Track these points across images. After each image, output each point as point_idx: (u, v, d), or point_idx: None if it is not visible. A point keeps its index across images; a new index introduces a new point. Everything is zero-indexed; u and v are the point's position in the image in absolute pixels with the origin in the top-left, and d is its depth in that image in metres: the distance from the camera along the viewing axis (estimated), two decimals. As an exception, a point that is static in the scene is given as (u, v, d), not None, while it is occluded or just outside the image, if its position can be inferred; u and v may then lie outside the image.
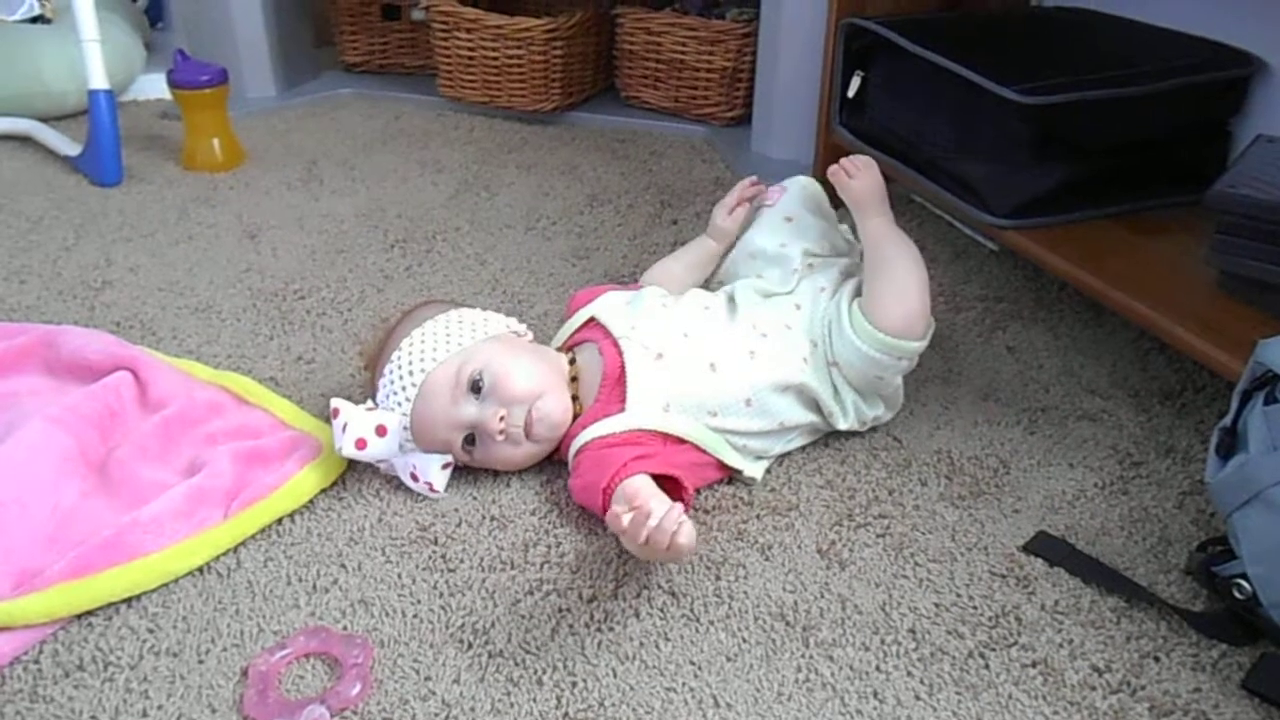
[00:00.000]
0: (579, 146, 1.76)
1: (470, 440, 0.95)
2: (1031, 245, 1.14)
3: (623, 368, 0.97)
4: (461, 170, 1.66)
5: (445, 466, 0.96)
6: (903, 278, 0.98)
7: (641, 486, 0.89)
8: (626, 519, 0.77)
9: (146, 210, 1.53)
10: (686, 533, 0.76)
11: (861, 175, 1.06)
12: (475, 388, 0.94)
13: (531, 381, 0.95)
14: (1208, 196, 0.99)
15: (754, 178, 1.16)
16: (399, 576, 0.87)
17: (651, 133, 1.81)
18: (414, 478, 0.96)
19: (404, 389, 0.95)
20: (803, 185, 1.11)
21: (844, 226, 1.10)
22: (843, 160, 1.07)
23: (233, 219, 1.51)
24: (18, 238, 1.44)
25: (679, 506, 0.78)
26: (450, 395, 0.94)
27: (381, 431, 0.94)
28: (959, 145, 1.21)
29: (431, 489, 0.95)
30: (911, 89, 1.28)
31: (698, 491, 0.96)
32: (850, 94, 1.38)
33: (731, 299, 1.05)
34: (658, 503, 0.79)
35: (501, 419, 0.93)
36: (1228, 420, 0.82)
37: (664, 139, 1.79)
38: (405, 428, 0.95)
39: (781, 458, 1.01)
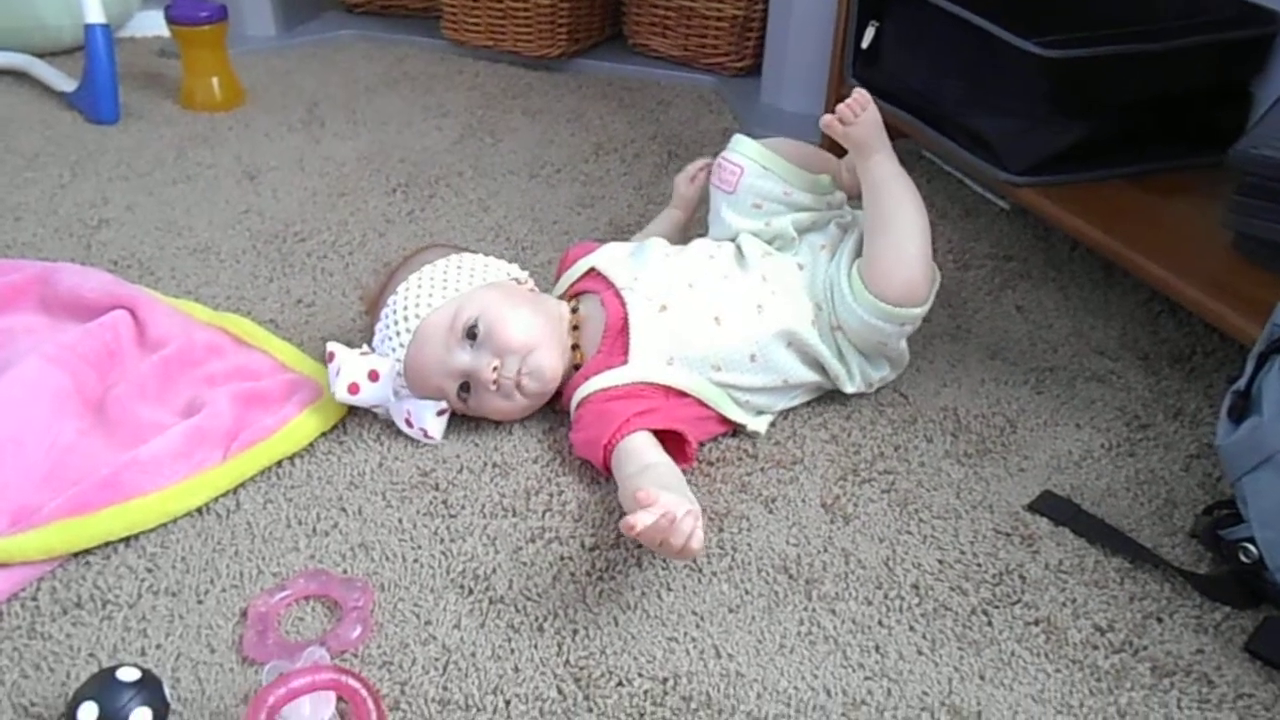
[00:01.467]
0: (585, 94, 1.73)
1: (465, 388, 0.93)
2: (1045, 203, 1.12)
3: (625, 319, 0.96)
4: (465, 115, 1.64)
5: (440, 413, 0.94)
6: (905, 237, 0.94)
7: (642, 445, 0.88)
8: (641, 524, 0.72)
9: (144, 149, 1.50)
10: (699, 537, 0.75)
11: (858, 119, 0.98)
12: (470, 334, 0.92)
13: (527, 333, 0.93)
14: (1230, 156, 0.97)
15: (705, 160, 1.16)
16: (400, 521, 0.86)
17: (659, 82, 1.78)
18: (408, 423, 0.95)
19: (399, 334, 0.93)
20: (752, 157, 1.02)
21: (824, 178, 1.06)
22: (837, 108, 0.99)
23: (232, 160, 1.48)
24: (13, 174, 1.42)
25: (694, 512, 0.75)
26: (445, 341, 0.92)
27: (374, 376, 0.93)
28: (975, 99, 1.18)
29: (426, 435, 0.94)
30: (927, 40, 1.25)
31: (701, 444, 0.95)
32: (864, 45, 1.35)
33: (739, 249, 1.02)
34: (675, 503, 0.75)
35: (495, 369, 0.92)
36: (1241, 383, 0.81)
37: (672, 88, 1.76)
38: (399, 373, 0.94)
39: (786, 412, 1.00)
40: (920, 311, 0.95)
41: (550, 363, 0.94)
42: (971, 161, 1.20)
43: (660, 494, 0.74)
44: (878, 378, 1.00)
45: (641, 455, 0.87)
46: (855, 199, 1.04)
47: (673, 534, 0.73)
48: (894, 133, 1.31)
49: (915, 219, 0.95)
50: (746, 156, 1.02)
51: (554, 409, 0.99)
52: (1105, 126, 1.14)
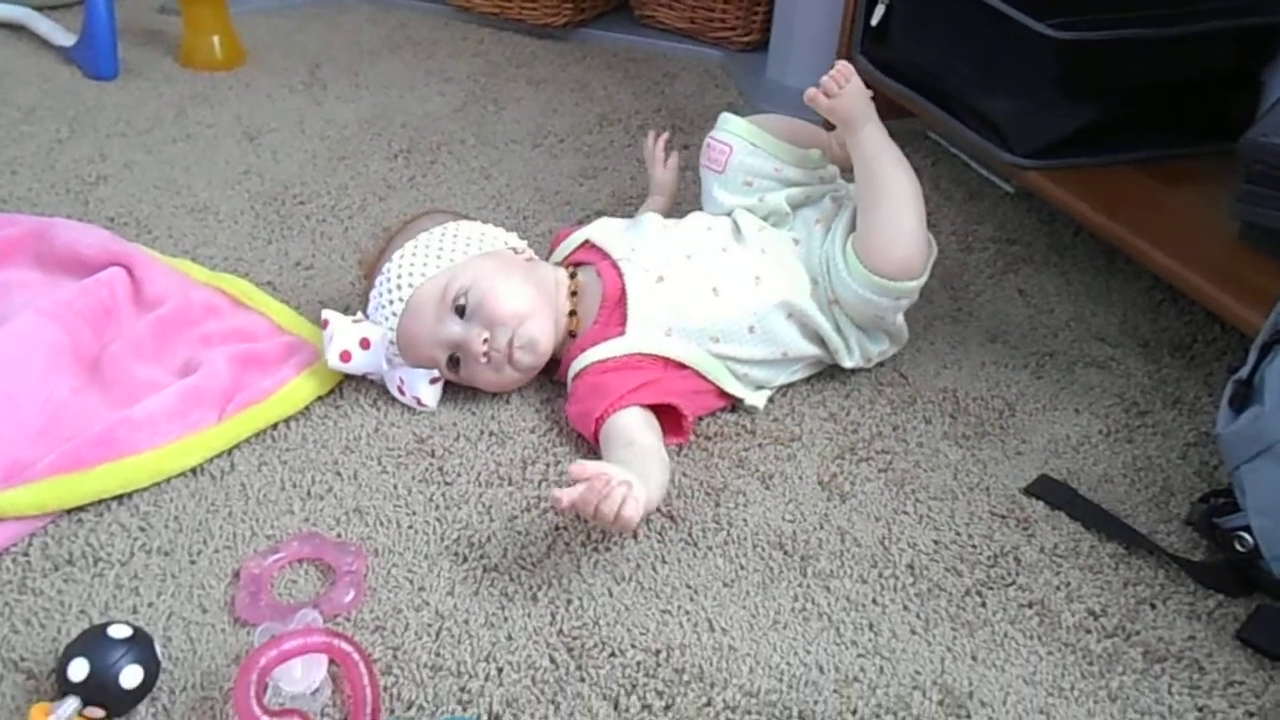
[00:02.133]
0: (590, 64, 1.71)
1: (455, 359, 0.93)
2: (1051, 187, 1.11)
3: (623, 289, 0.95)
4: (469, 82, 1.62)
5: (433, 382, 0.94)
6: (898, 211, 0.93)
7: (631, 423, 0.87)
8: (567, 499, 0.72)
9: (143, 106, 1.49)
10: (631, 507, 0.73)
11: (843, 91, 0.97)
12: (459, 307, 0.92)
13: (518, 303, 0.92)
14: (1240, 144, 0.96)
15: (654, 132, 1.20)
16: (394, 487, 0.86)
17: (665, 54, 1.76)
18: (401, 391, 0.94)
19: (391, 303, 0.93)
20: (741, 134, 1.01)
21: (814, 152, 1.06)
22: (821, 81, 0.97)
23: (232, 120, 1.46)
24: (9, 127, 1.40)
25: (629, 482, 0.74)
26: (435, 312, 0.92)
27: (365, 344, 0.92)
28: (983, 80, 1.17)
29: (420, 403, 0.94)
30: (937, 19, 1.24)
31: (699, 419, 0.94)
32: (874, 22, 1.34)
33: (735, 224, 1.02)
34: (611, 471, 0.75)
35: (485, 340, 0.91)
36: (1244, 372, 0.80)
37: (678, 61, 1.74)
38: (392, 342, 0.93)
39: (785, 388, 0.99)
40: (916, 285, 0.95)
41: (542, 334, 0.93)
42: (977, 143, 1.19)
43: (592, 464, 0.73)
44: (876, 352, 1.00)
45: (628, 433, 0.86)
46: (848, 172, 1.03)
47: (603, 502, 0.72)
48: (900, 112, 1.30)
49: (908, 191, 0.94)
50: (735, 135, 1.02)
51: (551, 379, 0.99)
52: (1114, 111, 1.13)
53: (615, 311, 0.95)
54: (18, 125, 1.41)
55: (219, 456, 0.88)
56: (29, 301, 0.97)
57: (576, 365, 0.94)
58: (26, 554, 0.78)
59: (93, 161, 1.33)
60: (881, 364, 1.03)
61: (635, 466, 0.79)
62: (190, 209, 1.24)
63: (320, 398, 0.95)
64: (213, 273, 1.10)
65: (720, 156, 1.02)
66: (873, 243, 0.93)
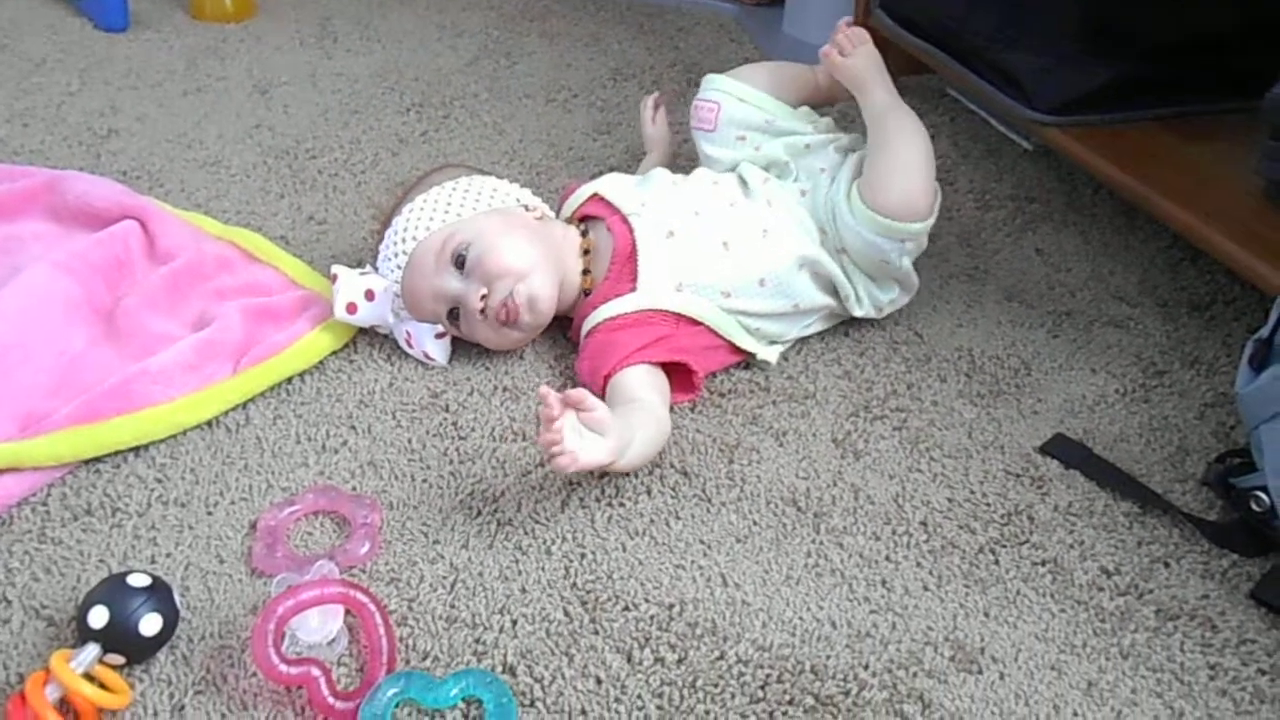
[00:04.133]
0: (603, 18, 1.69)
1: (455, 313, 0.92)
2: (1072, 144, 1.09)
3: (634, 245, 0.94)
4: (481, 35, 1.60)
5: (439, 337, 0.94)
6: (903, 154, 0.94)
7: (634, 381, 0.87)
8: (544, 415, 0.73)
9: (153, 59, 1.48)
10: (560, 461, 0.72)
11: (856, 52, 1.00)
12: (459, 261, 0.91)
13: (517, 260, 0.91)
14: (1266, 100, 0.94)
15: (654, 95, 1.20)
16: (409, 441, 0.86)
17: (680, 8, 1.74)
18: (409, 344, 0.94)
19: (396, 256, 0.92)
20: (727, 90, 1.03)
21: (803, 109, 1.06)
22: (834, 38, 1.01)
23: (243, 73, 1.45)
24: (20, 79, 1.39)
25: (566, 440, 0.73)
26: (435, 266, 0.91)
27: (370, 296, 0.92)
28: (1005, 35, 1.15)
29: (428, 357, 0.94)
30: (959, -28, 1.22)
31: (712, 375, 0.94)
32: (893, -25, 1.32)
33: (741, 178, 1.01)
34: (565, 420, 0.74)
35: (483, 297, 0.90)
36: (1265, 331, 0.79)
37: (692, 15, 1.72)
38: (397, 294, 0.93)
39: (800, 346, 0.99)
40: (920, 228, 0.94)
41: (544, 291, 0.92)
42: (998, 99, 1.17)
43: (555, 396, 0.72)
44: (886, 300, 0.99)
45: (631, 390, 0.86)
46: (834, 107, 1.07)
47: (541, 437, 0.73)
48: (918, 68, 1.28)
49: (914, 136, 0.95)
50: (720, 91, 1.03)
51: (565, 336, 0.98)
52: (1137, 67, 1.11)
53: (626, 267, 0.95)
54: (28, 77, 1.40)
55: (234, 409, 0.88)
56: (43, 254, 0.97)
57: (589, 323, 0.93)
58: (45, 504, 0.79)
59: (104, 114, 1.32)
60: (896, 322, 1.02)
61: (627, 422, 0.79)
62: (202, 162, 1.24)
63: (334, 352, 0.95)
64: (226, 226, 1.09)
65: (710, 115, 1.04)
66: (876, 181, 0.93)
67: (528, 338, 0.96)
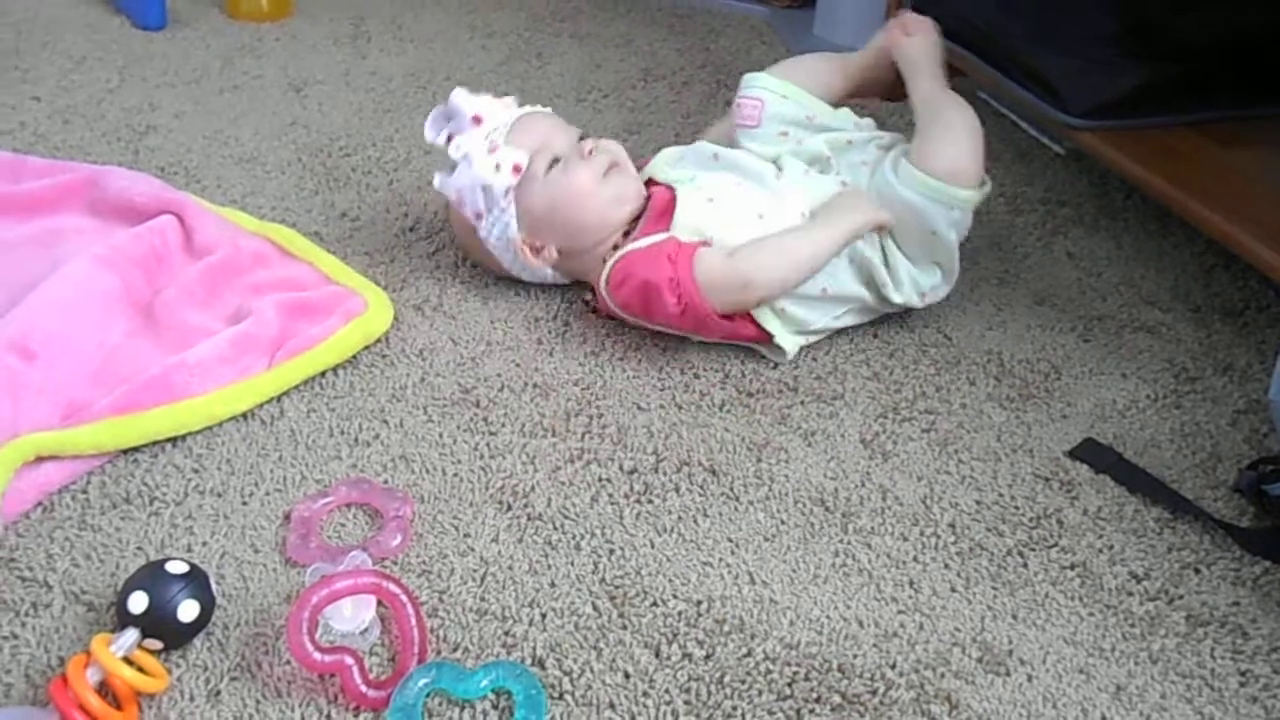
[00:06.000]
0: (634, 19, 1.70)
1: (555, 162, 0.97)
2: (1106, 148, 1.09)
3: (673, 199, 0.97)
4: (512, 36, 1.61)
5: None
6: (956, 124, 0.96)
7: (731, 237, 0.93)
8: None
9: (190, 57, 1.50)
10: None
11: (919, 34, 1.03)
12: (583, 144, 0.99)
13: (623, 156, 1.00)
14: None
15: None
16: (440, 436, 0.87)
17: (710, 10, 1.74)
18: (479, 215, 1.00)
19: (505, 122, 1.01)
20: (769, 88, 1.04)
21: (844, 110, 1.06)
22: (902, 14, 1.04)
23: (278, 71, 1.47)
24: (60, 77, 1.42)
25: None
26: (565, 131, 1.01)
27: (517, 170, 0.98)
28: (1039, 38, 1.15)
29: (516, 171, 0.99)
30: (992, -26, 1.22)
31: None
32: (926, -23, 1.31)
33: (779, 166, 1.02)
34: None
35: (591, 151, 0.97)
36: (1300, 337, 0.79)
37: (723, 17, 1.72)
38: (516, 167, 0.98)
39: (828, 347, 0.99)
40: (967, 195, 0.94)
41: (632, 172, 1.01)
42: (1031, 102, 1.17)
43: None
44: (928, 286, 0.99)
45: (741, 238, 0.93)
46: (872, 98, 1.10)
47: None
48: (951, 70, 1.27)
49: (966, 112, 0.97)
50: (763, 88, 1.04)
51: (589, 303, 1.01)
52: (1172, 70, 1.11)
53: (662, 218, 0.97)
54: (69, 74, 1.42)
55: (269, 402, 0.89)
56: (83, 248, 0.99)
57: (613, 258, 0.95)
58: (85, 492, 0.80)
59: (142, 111, 1.34)
60: (925, 324, 1.02)
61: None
62: (238, 159, 1.25)
63: (368, 347, 0.96)
64: (261, 222, 1.11)
65: (753, 111, 1.04)
66: (925, 147, 0.95)
67: (619, 202, 0.98)
